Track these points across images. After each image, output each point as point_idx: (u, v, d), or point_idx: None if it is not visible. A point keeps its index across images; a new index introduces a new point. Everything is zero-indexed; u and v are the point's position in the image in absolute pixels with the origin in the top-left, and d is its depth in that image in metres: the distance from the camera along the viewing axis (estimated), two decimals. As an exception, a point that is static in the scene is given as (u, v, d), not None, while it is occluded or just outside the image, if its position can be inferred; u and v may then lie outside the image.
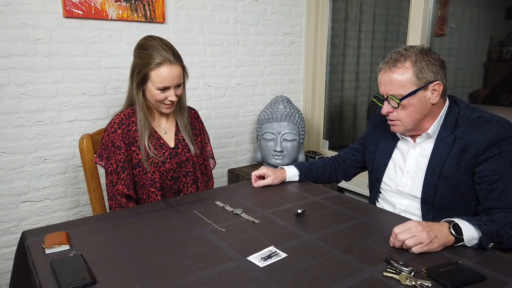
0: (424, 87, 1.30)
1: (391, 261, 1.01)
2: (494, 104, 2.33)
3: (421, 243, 1.05)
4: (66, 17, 2.01)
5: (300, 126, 2.54)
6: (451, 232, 1.10)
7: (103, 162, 1.52)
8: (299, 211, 1.32)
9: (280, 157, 2.49)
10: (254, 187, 1.62)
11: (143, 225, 1.28)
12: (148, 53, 1.47)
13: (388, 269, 0.99)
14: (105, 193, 1.60)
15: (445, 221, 1.14)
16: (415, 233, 1.06)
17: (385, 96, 1.35)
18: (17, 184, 2.04)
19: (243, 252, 1.09)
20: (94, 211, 1.63)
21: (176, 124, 1.66)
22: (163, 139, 1.60)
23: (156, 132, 1.60)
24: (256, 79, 2.77)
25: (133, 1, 2.16)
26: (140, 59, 1.48)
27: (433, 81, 1.30)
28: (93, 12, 2.05)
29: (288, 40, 2.87)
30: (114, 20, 2.14)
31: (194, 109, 1.78)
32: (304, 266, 1.02)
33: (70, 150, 2.15)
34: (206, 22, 2.47)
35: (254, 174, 1.64)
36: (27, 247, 1.14)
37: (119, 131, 1.52)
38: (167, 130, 1.64)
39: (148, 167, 1.54)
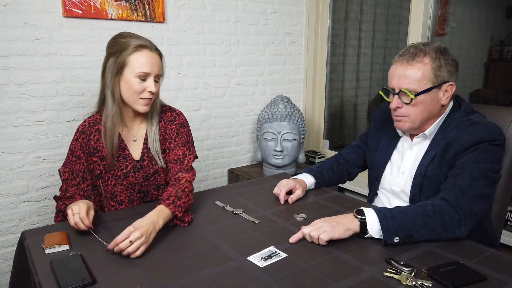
0: (438, 86, 1.27)
1: (392, 261, 1.01)
2: (494, 104, 2.33)
3: (325, 231, 1.12)
4: (66, 16, 2.00)
5: (300, 125, 2.54)
6: (355, 216, 1.15)
7: (62, 169, 1.43)
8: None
9: (280, 157, 2.49)
10: (289, 203, 1.45)
11: (143, 225, 1.27)
12: (126, 40, 1.37)
13: (388, 269, 0.99)
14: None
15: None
16: (318, 225, 1.15)
17: (397, 90, 1.30)
18: (17, 184, 2.04)
19: (243, 252, 1.09)
20: (94, 211, 1.63)
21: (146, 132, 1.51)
22: (128, 150, 1.48)
23: (123, 141, 1.47)
24: (256, 78, 2.77)
25: (133, 1, 2.16)
26: (118, 46, 1.37)
27: (448, 82, 1.28)
28: (93, 11, 2.05)
29: (288, 39, 2.86)
30: (114, 19, 2.13)
31: (176, 112, 1.55)
32: (304, 266, 1.01)
33: (70, 149, 2.15)
34: (206, 22, 2.47)
35: (282, 192, 1.46)
36: (27, 247, 1.14)
37: (79, 140, 1.44)
38: (137, 138, 1.50)
39: (113, 161, 1.43)
